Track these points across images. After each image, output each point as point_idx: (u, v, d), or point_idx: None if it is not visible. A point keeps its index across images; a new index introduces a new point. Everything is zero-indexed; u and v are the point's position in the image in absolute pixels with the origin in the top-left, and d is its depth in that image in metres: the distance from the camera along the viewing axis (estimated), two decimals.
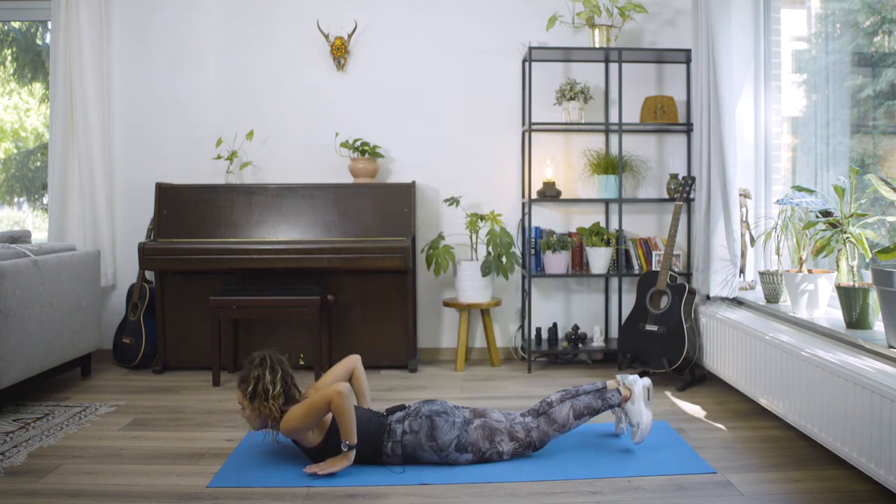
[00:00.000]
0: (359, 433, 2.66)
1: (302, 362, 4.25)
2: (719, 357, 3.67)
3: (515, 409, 3.47)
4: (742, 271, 3.85)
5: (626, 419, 2.93)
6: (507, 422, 2.81)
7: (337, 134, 4.50)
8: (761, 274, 3.60)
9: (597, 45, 4.31)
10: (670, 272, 3.96)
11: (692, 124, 4.34)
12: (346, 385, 2.63)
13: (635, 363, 3.95)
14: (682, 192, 4.09)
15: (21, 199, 5.46)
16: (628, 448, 2.89)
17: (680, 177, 4.39)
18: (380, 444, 2.71)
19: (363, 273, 4.28)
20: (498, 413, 2.86)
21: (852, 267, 2.98)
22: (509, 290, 4.59)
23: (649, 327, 3.93)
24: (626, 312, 4.42)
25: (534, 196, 4.40)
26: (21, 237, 3.72)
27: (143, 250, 4.08)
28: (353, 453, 2.63)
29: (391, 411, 2.81)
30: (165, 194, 4.29)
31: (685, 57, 4.39)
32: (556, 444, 2.91)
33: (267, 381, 2.68)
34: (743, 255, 3.82)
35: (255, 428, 2.76)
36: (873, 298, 2.79)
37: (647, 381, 2.94)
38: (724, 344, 3.60)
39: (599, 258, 4.29)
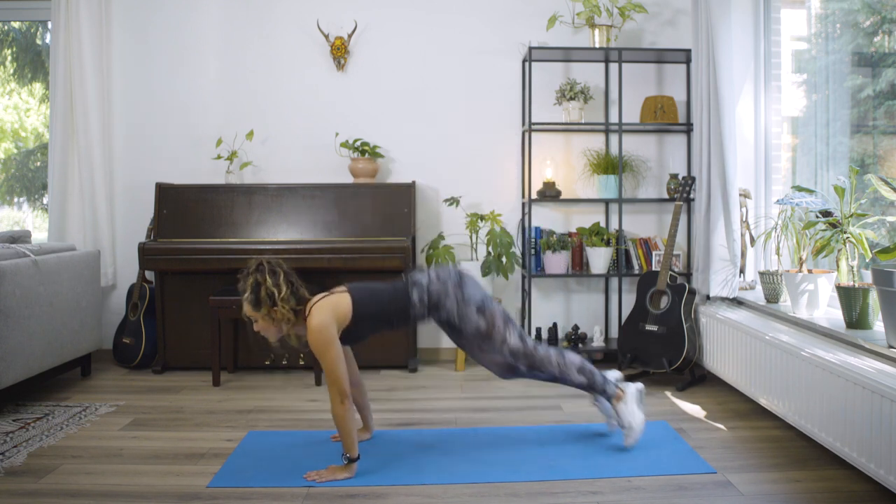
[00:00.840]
0: (384, 307, 2.68)
1: (302, 362, 4.25)
2: (719, 357, 3.67)
3: (515, 409, 3.48)
4: (742, 271, 3.85)
5: (618, 420, 2.91)
6: (523, 333, 2.81)
7: (337, 134, 4.50)
8: (761, 274, 3.60)
9: (597, 45, 4.31)
10: (670, 272, 3.96)
11: (692, 124, 4.34)
12: (350, 400, 2.58)
13: (635, 363, 3.95)
14: (682, 192, 4.09)
15: (21, 199, 5.46)
16: (628, 448, 2.89)
17: (680, 177, 4.39)
18: (406, 301, 2.69)
19: (363, 273, 4.27)
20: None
21: (852, 267, 2.98)
22: (509, 290, 4.59)
23: (649, 327, 3.93)
24: (626, 312, 4.42)
25: (534, 196, 4.40)
26: (21, 237, 3.72)
27: (143, 250, 4.08)
28: (354, 466, 2.60)
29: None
30: (165, 194, 4.29)
31: (685, 57, 4.39)
32: (556, 443, 2.90)
33: (269, 284, 2.57)
34: (743, 255, 3.82)
35: (274, 338, 2.69)
36: (873, 298, 2.79)
37: (640, 385, 2.94)
38: (724, 344, 3.60)
39: (599, 258, 4.29)
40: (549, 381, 2.86)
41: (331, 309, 2.60)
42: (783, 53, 3.92)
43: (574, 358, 2.86)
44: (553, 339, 4.42)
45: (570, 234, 4.48)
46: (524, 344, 2.77)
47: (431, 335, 4.60)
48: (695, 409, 3.45)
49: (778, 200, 3.35)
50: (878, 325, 2.80)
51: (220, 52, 4.56)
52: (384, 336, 4.27)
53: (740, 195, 3.78)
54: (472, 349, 2.81)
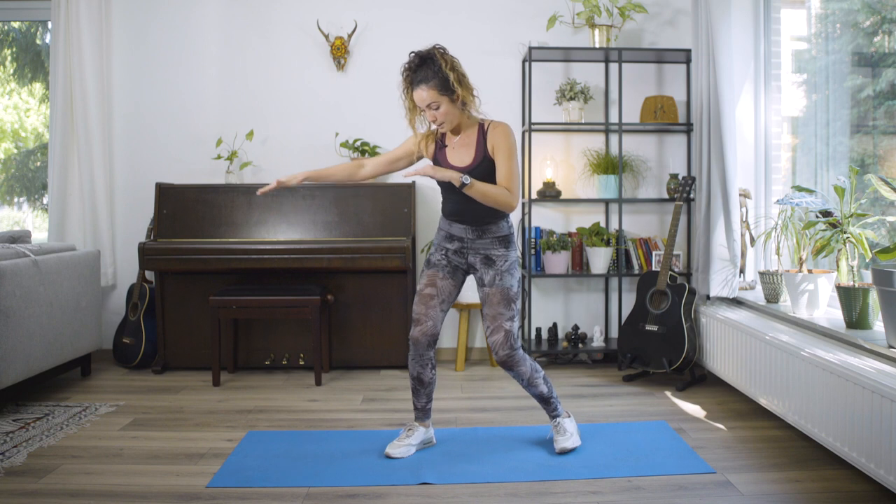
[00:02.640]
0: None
1: (302, 362, 4.25)
2: (719, 357, 3.67)
3: (515, 409, 3.48)
4: (742, 271, 3.85)
5: (558, 429, 2.90)
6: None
7: (337, 134, 4.50)
8: (761, 274, 3.60)
9: (597, 45, 4.31)
10: (670, 272, 3.96)
11: (692, 124, 4.34)
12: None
13: (635, 363, 3.95)
14: (682, 192, 4.09)
15: (21, 199, 5.47)
16: (628, 448, 2.89)
17: (680, 177, 4.39)
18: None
19: (363, 273, 4.28)
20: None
21: (852, 267, 2.98)
22: None
23: (649, 327, 3.93)
24: (626, 312, 4.42)
25: (534, 196, 4.40)
26: (21, 237, 3.72)
27: (143, 250, 4.08)
28: (465, 179, 2.61)
29: None
30: (165, 194, 4.29)
31: (685, 57, 4.39)
32: None
33: (459, 66, 2.67)
34: (743, 255, 3.82)
35: (450, 126, 2.70)
36: (873, 298, 2.79)
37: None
38: (724, 344, 3.60)
39: (599, 258, 4.29)
40: (526, 376, 2.81)
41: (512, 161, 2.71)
42: (783, 53, 3.92)
43: (540, 369, 2.88)
44: (553, 339, 4.42)
45: (570, 234, 4.48)
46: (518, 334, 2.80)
47: None
48: (695, 409, 3.45)
49: (778, 200, 3.35)
50: (878, 325, 2.80)
51: (220, 52, 4.56)
52: (384, 336, 4.30)
53: (740, 195, 3.78)
54: (495, 312, 2.75)
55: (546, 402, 2.90)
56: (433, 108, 2.65)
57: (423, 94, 2.63)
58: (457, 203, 2.77)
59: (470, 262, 2.82)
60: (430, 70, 2.62)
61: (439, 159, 2.80)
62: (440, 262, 2.84)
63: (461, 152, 2.76)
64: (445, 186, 2.77)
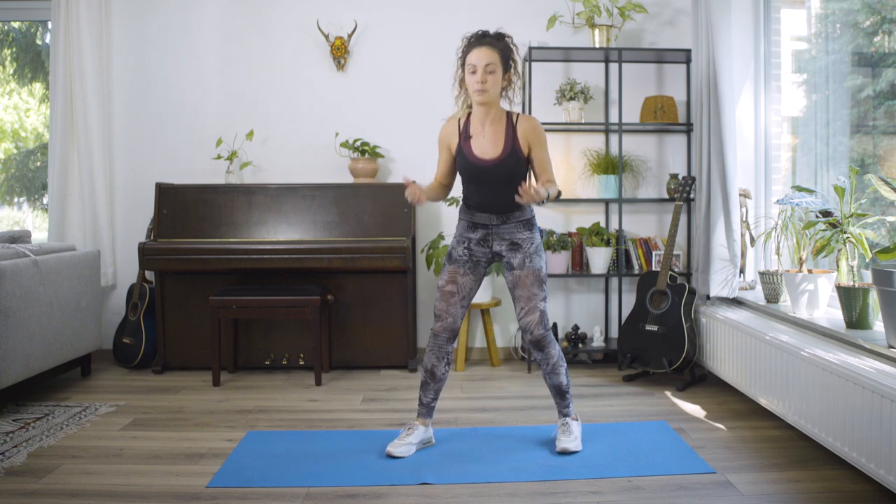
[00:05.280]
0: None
1: (302, 362, 4.25)
2: (719, 357, 3.67)
3: (515, 409, 3.48)
4: (742, 271, 3.85)
5: (565, 430, 2.90)
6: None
7: (337, 134, 4.50)
8: (761, 274, 3.60)
9: (597, 45, 4.31)
10: (670, 272, 3.96)
11: (692, 124, 4.34)
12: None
13: (635, 363, 3.95)
14: (682, 192, 4.09)
15: (21, 199, 5.47)
16: (628, 448, 2.89)
17: (680, 177, 4.39)
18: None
19: (363, 273, 4.27)
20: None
21: (852, 267, 2.98)
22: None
23: (649, 327, 3.93)
24: (626, 312, 4.42)
25: None
26: (21, 237, 3.72)
27: (143, 250, 4.08)
28: (551, 191, 2.74)
29: None
30: (165, 194, 4.29)
31: (685, 57, 4.39)
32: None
33: (517, 53, 2.80)
34: (743, 255, 3.82)
35: (489, 98, 2.74)
36: (873, 298, 2.79)
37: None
38: (724, 344, 3.60)
39: (599, 258, 4.29)
40: (552, 360, 2.85)
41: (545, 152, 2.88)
42: (783, 53, 3.92)
43: (565, 361, 2.95)
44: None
45: (570, 234, 4.48)
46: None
47: None
48: (695, 409, 3.45)
49: (778, 200, 3.35)
50: (878, 325, 2.80)
51: (221, 52, 4.56)
52: (384, 336, 4.30)
53: (740, 195, 3.78)
54: (528, 293, 2.80)
55: (562, 395, 2.92)
56: (488, 70, 2.69)
57: (486, 52, 2.69)
58: (485, 195, 2.81)
59: (495, 251, 2.85)
60: (500, 42, 2.74)
61: (464, 151, 2.80)
62: (462, 258, 2.85)
63: (488, 143, 2.77)
64: (470, 179, 2.81)
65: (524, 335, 2.86)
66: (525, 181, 2.76)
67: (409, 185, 2.70)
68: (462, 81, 2.80)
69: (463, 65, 2.76)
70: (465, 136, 2.81)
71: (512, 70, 2.78)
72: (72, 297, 3.82)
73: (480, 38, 2.73)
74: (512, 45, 2.77)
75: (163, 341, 4.26)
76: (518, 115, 2.83)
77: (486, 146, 2.77)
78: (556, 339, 4.38)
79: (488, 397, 3.71)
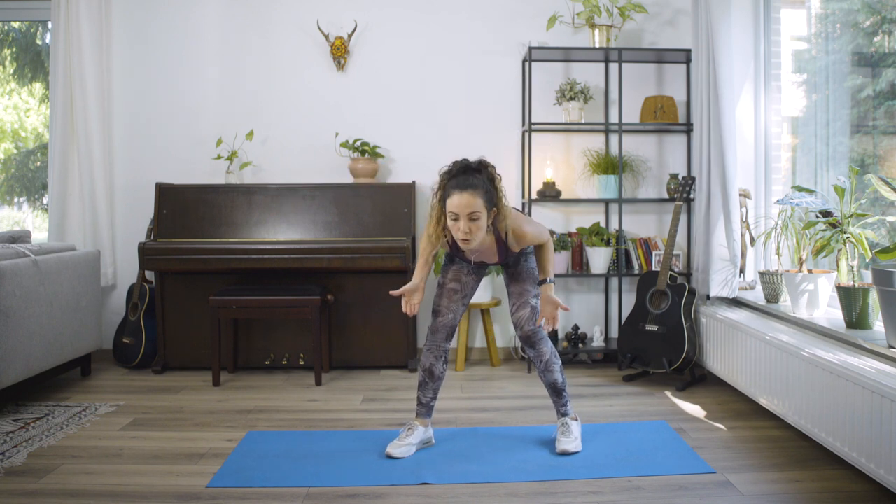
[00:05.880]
0: None
1: (302, 362, 4.25)
2: (719, 357, 3.67)
3: (515, 409, 3.48)
4: (742, 271, 3.85)
5: (565, 430, 2.90)
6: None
7: (337, 134, 4.50)
8: (761, 274, 3.60)
9: (597, 45, 4.31)
10: (670, 272, 3.96)
11: (692, 124, 4.34)
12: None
13: (635, 363, 3.95)
14: (682, 192, 4.09)
15: (21, 199, 5.47)
16: (628, 448, 2.89)
17: (680, 177, 4.39)
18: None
19: (363, 273, 4.27)
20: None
21: (852, 267, 2.98)
22: None
23: (649, 327, 3.93)
24: (626, 312, 4.42)
25: (534, 196, 4.40)
26: (21, 237, 3.72)
27: (143, 250, 4.08)
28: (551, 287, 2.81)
29: None
30: (165, 194, 4.29)
31: (685, 57, 4.39)
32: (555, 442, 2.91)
33: (500, 182, 2.61)
34: (743, 255, 3.82)
35: (477, 246, 2.63)
36: (873, 298, 2.79)
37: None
38: (724, 344, 3.60)
39: (599, 258, 4.29)
40: (545, 357, 2.92)
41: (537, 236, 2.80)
42: (783, 53, 3.92)
43: (559, 358, 3.00)
44: (553, 338, 4.41)
45: (570, 234, 4.48)
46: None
47: None
48: (695, 409, 3.45)
49: (778, 200, 3.35)
50: (878, 325, 2.80)
51: (220, 52, 4.56)
52: (384, 336, 4.30)
53: (740, 195, 3.78)
54: (521, 289, 2.88)
55: (558, 394, 2.94)
56: (473, 218, 2.52)
57: (467, 198, 2.50)
58: (470, 262, 2.87)
59: None
60: (480, 179, 2.55)
61: (463, 257, 2.84)
62: (464, 259, 2.88)
63: (484, 256, 2.80)
64: (456, 250, 2.78)
65: (516, 330, 2.92)
66: (539, 317, 2.86)
67: (403, 298, 2.73)
68: (440, 219, 2.64)
69: (441, 200, 2.59)
70: (456, 245, 2.74)
71: (496, 202, 2.59)
72: (72, 297, 3.82)
73: (460, 181, 2.53)
74: (494, 175, 2.59)
75: (163, 341, 4.26)
76: (506, 233, 2.67)
77: (483, 257, 2.81)
78: (556, 339, 4.40)
79: (488, 397, 3.71)
